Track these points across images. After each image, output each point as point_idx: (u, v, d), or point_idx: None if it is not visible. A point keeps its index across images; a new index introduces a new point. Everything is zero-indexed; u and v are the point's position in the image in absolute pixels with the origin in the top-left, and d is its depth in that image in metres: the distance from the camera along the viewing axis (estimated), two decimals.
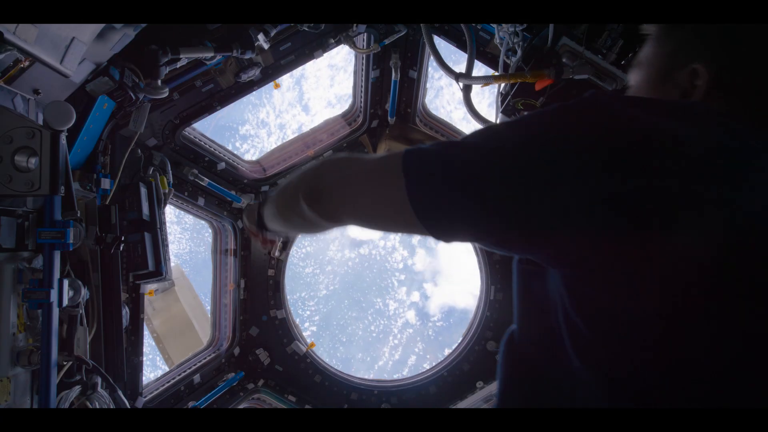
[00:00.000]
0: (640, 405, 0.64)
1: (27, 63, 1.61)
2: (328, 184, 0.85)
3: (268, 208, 1.11)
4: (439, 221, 0.70)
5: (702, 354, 0.59)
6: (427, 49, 2.86)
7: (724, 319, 0.57)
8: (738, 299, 0.56)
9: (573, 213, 0.60)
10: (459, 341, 4.06)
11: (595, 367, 0.64)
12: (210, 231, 3.59)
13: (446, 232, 0.72)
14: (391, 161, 0.74)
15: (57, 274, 1.80)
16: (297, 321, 3.72)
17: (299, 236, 1.01)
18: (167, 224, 2.62)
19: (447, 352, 4.30)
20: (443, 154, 0.70)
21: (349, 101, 3.63)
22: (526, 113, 0.73)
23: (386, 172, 0.74)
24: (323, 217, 0.88)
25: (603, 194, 0.58)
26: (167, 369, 3.52)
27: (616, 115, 0.62)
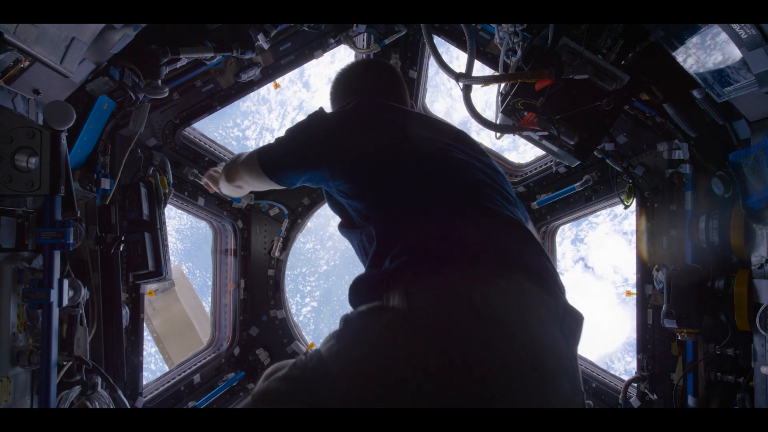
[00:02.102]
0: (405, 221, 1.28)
1: (27, 63, 1.61)
2: (230, 169, 1.73)
3: (218, 185, 1.99)
4: (275, 177, 1.54)
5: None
6: (427, 49, 2.86)
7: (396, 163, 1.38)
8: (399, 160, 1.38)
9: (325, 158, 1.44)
10: None
11: (365, 203, 1.38)
12: (210, 230, 3.59)
13: (281, 181, 1.55)
14: (253, 154, 1.59)
15: (57, 274, 1.80)
16: (296, 305, 3.70)
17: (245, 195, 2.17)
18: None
19: None
20: (272, 146, 1.57)
21: None
22: (305, 118, 1.60)
23: (252, 159, 1.59)
24: (234, 186, 1.74)
25: (334, 143, 1.45)
26: (167, 369, 3.51)
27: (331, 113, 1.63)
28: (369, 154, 1.40)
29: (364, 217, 1.38)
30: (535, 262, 1.18)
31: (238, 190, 1.80)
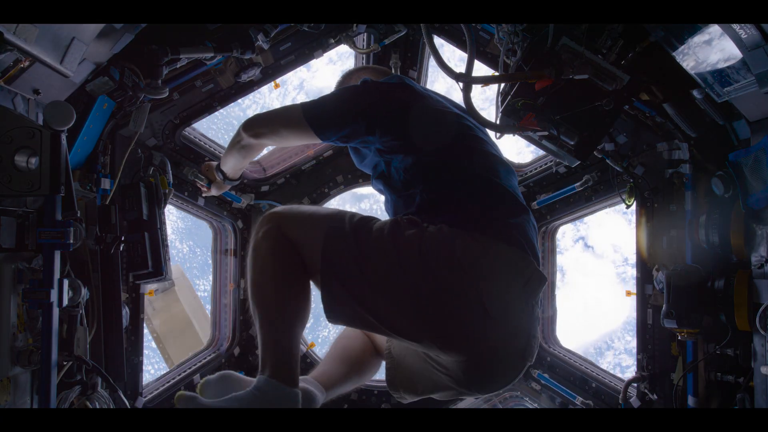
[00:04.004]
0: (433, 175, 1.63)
1: (27, 63, 1.61)
2: (256, 123, 1.85)
3: (225, 154, 2.14)
4: (320, 128, 1.71)
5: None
6: (427, 49, 2.86)
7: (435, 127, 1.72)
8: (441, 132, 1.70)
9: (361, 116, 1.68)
10: None
11: (411, 159, 1.64)
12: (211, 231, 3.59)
13: (322, 132, 1.71)
14: (294, 108, 1.75)
15: (57, 274, 1.80)
16: None
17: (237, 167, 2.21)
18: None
19: None
20: (318, 101, 1.76)
21: (351, 59, 3.57)
22: (345, 87, 1.88)
23: (292, 112, 1.74)
24: (252, 135, 1.84)
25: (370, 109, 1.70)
26: (167, 369, 3.51)
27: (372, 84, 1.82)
28: (427, 113, 1.69)
29: (408, 180, 1.64)
30: (530, 236, 1.58)
31: (247, 152, 1.96)
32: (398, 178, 1.69)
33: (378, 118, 1.66)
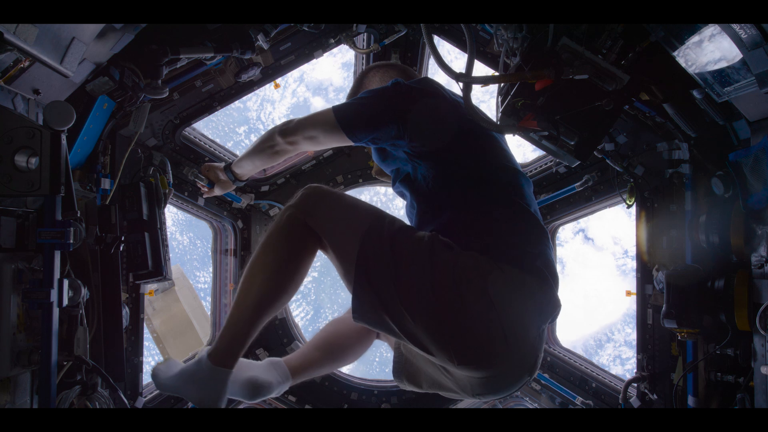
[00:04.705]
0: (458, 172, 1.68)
1: (27, 63, 1.61)
2: (289, 127, 1.87)
3: (245, 155, 2.11)
4: (351, 130, 1.73)
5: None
6: (427, 49, 2.86)
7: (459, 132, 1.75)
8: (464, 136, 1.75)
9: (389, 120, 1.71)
10: None
11: (435, 159, 1.69)
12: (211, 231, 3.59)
13: (353, 134, 1.73)
14: (326, 111, 1.77)
15: (57, 274, 1.80)
16: (297, 320, 3.72)
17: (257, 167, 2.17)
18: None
19: None
20: (348, 104, 1.80)
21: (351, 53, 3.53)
22: (371, 89, 1.87)
23: (324, 115, 1.77)
24: (288, 143, 1.87)
25: (398, 111, 1.71)
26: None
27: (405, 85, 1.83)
28: (454, 123, 1.70)
29: (435, 190, 1.66)
30: (550, 260, 1.65)
31: (279, 156, 1.97)
32: (425, 185, 1.70)
33: (408, 123, 1.68)
